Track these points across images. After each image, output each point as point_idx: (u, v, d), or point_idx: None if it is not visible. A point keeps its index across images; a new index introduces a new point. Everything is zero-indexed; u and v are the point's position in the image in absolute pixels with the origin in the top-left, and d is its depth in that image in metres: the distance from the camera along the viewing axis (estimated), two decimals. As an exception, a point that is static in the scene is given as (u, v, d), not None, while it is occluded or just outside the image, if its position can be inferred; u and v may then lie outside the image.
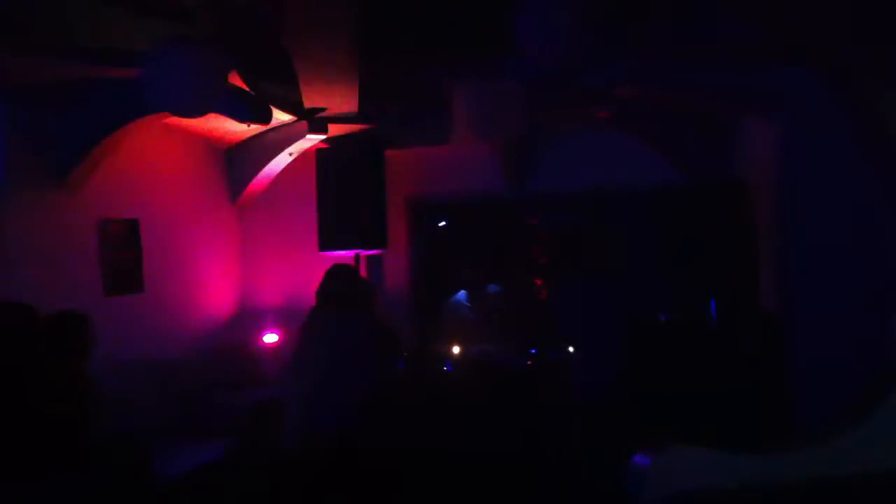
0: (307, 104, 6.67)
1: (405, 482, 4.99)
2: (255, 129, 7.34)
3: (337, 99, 6.55)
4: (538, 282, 8.45)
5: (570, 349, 6.50)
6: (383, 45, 5.31)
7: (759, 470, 3.44)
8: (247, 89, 6.12)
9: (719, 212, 6.32)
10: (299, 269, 8.23)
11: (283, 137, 7.55)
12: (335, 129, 7.34)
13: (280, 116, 6.98)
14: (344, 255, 7.59)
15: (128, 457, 4.66)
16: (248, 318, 8.31)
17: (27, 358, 4.46)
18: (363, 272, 7.74)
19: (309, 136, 7.31)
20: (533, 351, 7.20)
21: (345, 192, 7.52)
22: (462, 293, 7.49)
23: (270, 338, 8.15)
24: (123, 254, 6.49)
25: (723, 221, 6.28)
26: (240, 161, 8.10)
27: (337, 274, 5.54)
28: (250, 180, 8.09)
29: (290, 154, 7.75)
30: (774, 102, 5.42)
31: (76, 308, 5.01)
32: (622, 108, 7.06)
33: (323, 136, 7.35)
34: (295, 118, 7.15)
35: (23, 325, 4.50)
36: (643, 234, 7.59)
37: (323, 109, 6.89)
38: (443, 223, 9.22)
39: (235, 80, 5.79)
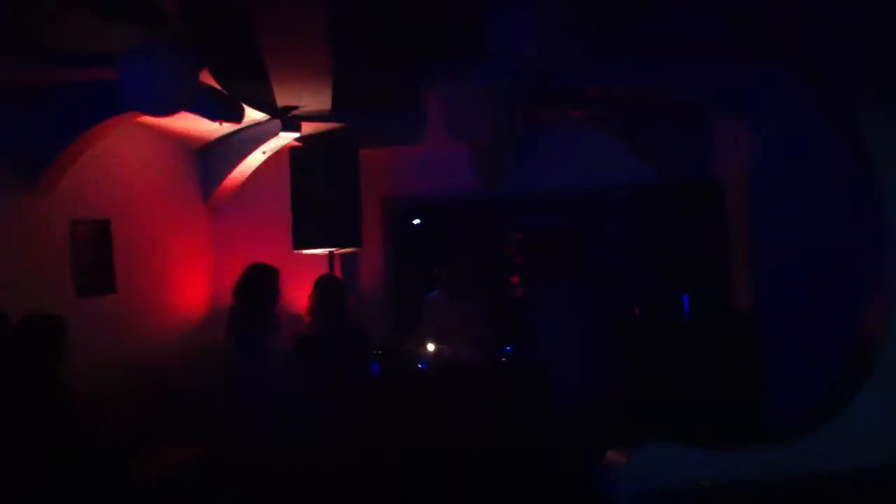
0: (280, 102, 6.64)
1: (386, 481, 4.97)
2: (228, 127, 7.30)
3: (310, 97, 6.52)
4: (514, 279, 8.47)
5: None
6: (357, 45, 5.30)
7: (731, 466, 3.47)
8: (218, 87, 6.08)
9: (694, 211, 6.37)
10: (273, 268, 8.20)
11: (256, 136, 7.51)
12: (309, 128, 7.31)
13: (253, 115, 6.94)
14: (318, 253, 7.58)
15: (101, 466, 4.59)
16: (221, 318, 8.25)
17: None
18: (337, 271, 7.73)
19: (282, 135, 7.27)
20: (508, 349, 7.21)
21: (318, 190, 7.49)
22: (435, 292, 7.49)
23: (244, 337, 8.09)
24: (95, 254, 6.43)
25: (698, 221, 6.33)
26: (212, 160, 8.04)
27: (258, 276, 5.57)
28: (223, 179, 8.04)
29: (263, 153, 7.72)
30: (745, 103, 5.46)
31: (47, 310, 4.96)
32: (598, 108, 7.09)
33: (296, 135, 7.32)
34: (268, 116, 7.11)
35: None
36: (619, 234, 7.64)
37: (296, 108, 6.86)
38: (417, 221, 9.22)
39: (207, 78, 5.75)
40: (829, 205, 4.65)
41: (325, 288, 5.98)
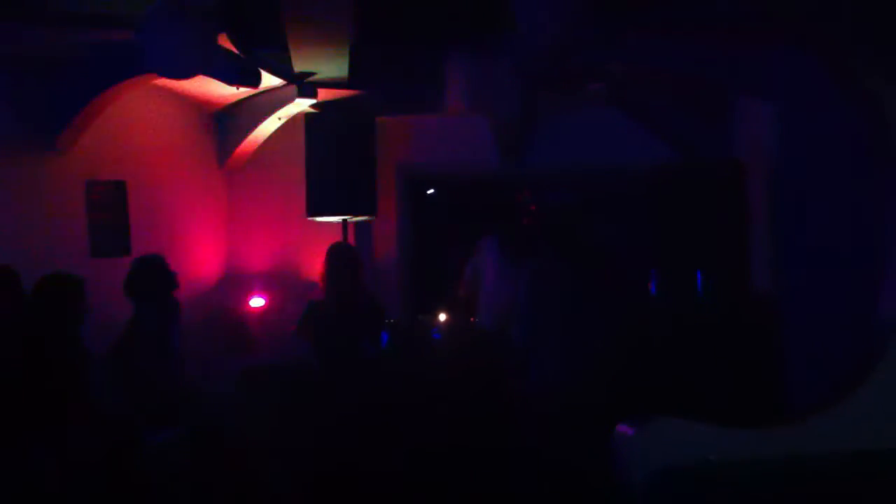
0: (297, 68, 6.61)
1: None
2: (245, 91, 7.27)
3: (327, 63, 6.49)
4: None
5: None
6: (376, 12, 5.26)
7: (744, 444, 3.47)
8: (236, 52, 6.06)
9: (714, 191, 6.25)
10: (286, 233, 8.23)
11: (273, 101, 7.49)
12: (325, 94, 7.28)
13: (269, 80, 6.92)
14: (331, 220, 7.57)
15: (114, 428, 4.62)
16: (235, 283, 8.30)
17: (11, 320, 4.43)
18: (351, 239, 7.72)
19: (298, 101, 7.25)
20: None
21: (333, 157, 7.47)
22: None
23: (257, 302, 8.14)
24: (110, 215, 6.46)
25: (717, 201, 6.22)
26: (228, 124, 8.03)
27: None
28: (238, 144, 8.04)
29: (280, 118, 7.70)
30: (768, 83, 5.40)
31: (62, 270, 4.98)
32: (618, 86, 7.02)
33: (312, 101, 7.30)
34: (284, 82, 7.09)
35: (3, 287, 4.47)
36: (637, 213, 7.56)
37: (313, 74, 6.84)
38: (431, 191, 9.19)
39: (225, 42, 5.73)
40: (854, 190, 4.60)
41: (338, 255, 5.98)
